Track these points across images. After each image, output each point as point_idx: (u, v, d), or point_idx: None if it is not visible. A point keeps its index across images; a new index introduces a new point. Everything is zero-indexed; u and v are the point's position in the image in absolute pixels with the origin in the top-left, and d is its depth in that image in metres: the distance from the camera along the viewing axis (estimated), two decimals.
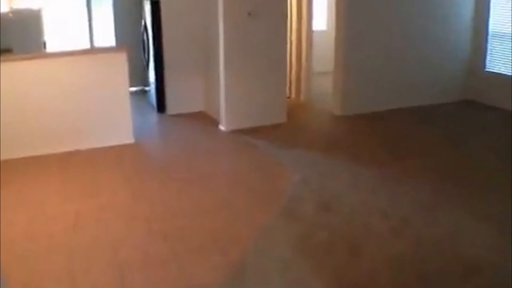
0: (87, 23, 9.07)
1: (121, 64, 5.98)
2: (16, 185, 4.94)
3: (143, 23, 7.83)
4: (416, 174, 5.17)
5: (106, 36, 8.88)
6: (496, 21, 7.91)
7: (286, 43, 6.96)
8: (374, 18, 7.31)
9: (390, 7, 7.41)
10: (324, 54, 8.91)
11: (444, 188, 4.82)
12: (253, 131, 6.54)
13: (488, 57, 8.07)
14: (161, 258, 3.62)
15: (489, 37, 7.99)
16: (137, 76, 8.28)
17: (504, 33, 7.77)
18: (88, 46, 9.02)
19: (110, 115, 6.04)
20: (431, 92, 8.00)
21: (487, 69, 8.10)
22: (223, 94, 6.56)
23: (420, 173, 5.20)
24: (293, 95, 8.25)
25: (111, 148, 5.98)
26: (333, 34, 7.55)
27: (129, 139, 6.16)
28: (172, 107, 7.54)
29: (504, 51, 7.85)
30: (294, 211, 4.34)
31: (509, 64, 7.72)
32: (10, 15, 5.69)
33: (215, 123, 6.91)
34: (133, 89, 7.05)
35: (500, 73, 7.92)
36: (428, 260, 3.60)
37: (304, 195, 4.66)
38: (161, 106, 7.61)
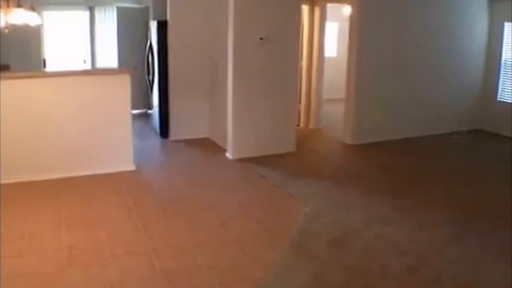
0: (89, 42, 8.84)
1: (124, 86, 5.68)
2: (6, 214, 4.56)
3: (148, 43, 7.58)
4: (429, 207, 4.95)
5: (108, 56, 8.62)
6: (509, 52, 7.83)
7: (297, 70, 6.73)
8: (386, 48, 7.17)
9: (403, 37, 7.29)
10: (334, 81, 8.72)
11: (459, 222, 4.59)
12: (261, 160, 6.25)
13: (500, 87, 8.02)
14: None
15: (501, 67, 7.95)
16: (140, 98, 8.03)
17: None
18: (89, 66, 8.80)
19: (111, 140, 5.72)
20: (443, 121, 7.89)
21: (498, 99, 8.05)
22: (231, 121, 6.28)
23: (434, 206, 4.98)
24: (302, 123, 7.99)
25: (111, 175, 5.65)
26: (343, 61, 7.36)
27: (129, 165, 5.84)
28: (176, 132, 7.26)
29: None
30: (306, 248, 4.05)
31: None
32: (6, 30, 5.40)
33: (221, 150, 6.62)
34: (135, 111, 6.79)
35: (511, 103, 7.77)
36: None
37: (316, 230, 4.37)
38: (164, 131, 7.33)
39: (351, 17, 7.03)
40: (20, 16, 5.35)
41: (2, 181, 5.20)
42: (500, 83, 8.00)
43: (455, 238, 4.25)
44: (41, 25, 7.01)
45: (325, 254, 3.93)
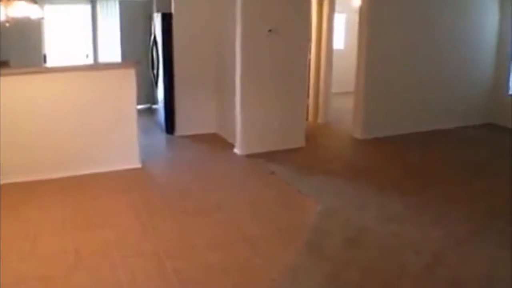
0: (91, 37, 8.66)
1: (129, 81, 5.50)
2: (9, 215, 4.41)
3: (152, 37, 7.40)
4: (443, 203, 4.81)
5: (111, 50, 8.45)
6: None
7: (307, 63, 6.55)
8: (397, 40, 7.00)
9: (413, 30, 7.12)
10: (340, 74, 8.53)
11: (473, 219, 4.45)
12: (270, 156, 6.10)
13: (511, 81, 7.83)
14: None
15: None
16: (144, 93, 7.86)
17: None
18: (92, 61, 8.63)
19: (116, 136, 5.55)
20: (454, 116, 7.74)
21: (510, 92, 7.88)
22: (239, 116, 6.11)
23: (447, 202, 4.84)
24: (310, 117, 7.82)
25: (116, 173, 5.49)
26: (350, 53, 7.19)
27: (135, 163, 5.68)
28: (182, 127, 7.09)
29: None
30: (320, 247, 3.92)
31: None
32: (7, 24, 5.21)
33: (229, 146, 6.47)
34: (139, 107, 6.61)
35: None
36: None
37: (330, 228, 4.23)
38: (170, 126, 7.16)
39: (361, 8, 6.84)
40: (21, 9, 5.16)
41: (5, 181, 5.04)
42: (511, 77, 7.82)
43: (470, 236, 4.12)
44: (43, 18, 6.81)
45: (340, 254, 3.80)
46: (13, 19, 5.22)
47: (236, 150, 6.26)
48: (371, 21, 6.72)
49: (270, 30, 5.96)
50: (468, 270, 3.57)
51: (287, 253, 3.75)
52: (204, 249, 3.81)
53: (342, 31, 10.09)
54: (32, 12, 5.35)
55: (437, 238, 4.05)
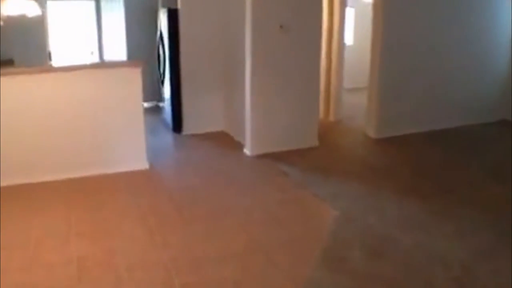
0: (96, 33, 8.45)
1: (135, 80, 5.31)
2: (11, 220, 4.24)
3: (158, 33, 7.17)
4: (467, 209, 4.55)
5: (117, 47, 8.23)
6: None
7: (319, 59, 6.28)
8: (411, 36, 6.71)
9: (428, 25, 6.83)
10: (349, 69, 8.25)
11: (498, 227, 4.18)
12: (282, 156, 5.87)
13: None
14: None
15: None
16: (150, 90, 7.64)
17: None
18: (97, 59, 8.42)
19: (122, 137, 5.37)
20: (469, 113, 7.46)
21: None
22: (249, 115, 5.88)
23: (471, 208, 4.58)
24: (321, 115, 7.55)
25: (123, 174, 5.31)
26: (359, 48, 6.92)
27: (143, 164, 5.49)
28: (190, 126, 6.89)
29: None
30: (340, 258, 3.70)
31: None
32: (2, 23, 4.95)
33: (239, 146, 6.26)
34: (145, 105, 6.41)
35: None
36: None
37: (349, 237, 4.02)
38: (177, 125, 6.95)
39: (375, 3, 6.57)
40: (16, 6, 4.87)
41: (6, 183, 4.89)
42: None
43: (498, 245, 3.88)
44: (41, 15, 6.55)
45: (362, 266, 3.58)
46: (8, 17, 4.95)
47: (246, 150, 6.04)
48: (386, 16, 6.45)
49: (281, 26, 5.72)
50: (500, 284, 3.34)
51: (305, 265, 3.55)
52: (214, 260, 3.61)
53: (351, 26, 9.79)
54: (28, 9, 5.06)
55: (464, 248, 3.81)
